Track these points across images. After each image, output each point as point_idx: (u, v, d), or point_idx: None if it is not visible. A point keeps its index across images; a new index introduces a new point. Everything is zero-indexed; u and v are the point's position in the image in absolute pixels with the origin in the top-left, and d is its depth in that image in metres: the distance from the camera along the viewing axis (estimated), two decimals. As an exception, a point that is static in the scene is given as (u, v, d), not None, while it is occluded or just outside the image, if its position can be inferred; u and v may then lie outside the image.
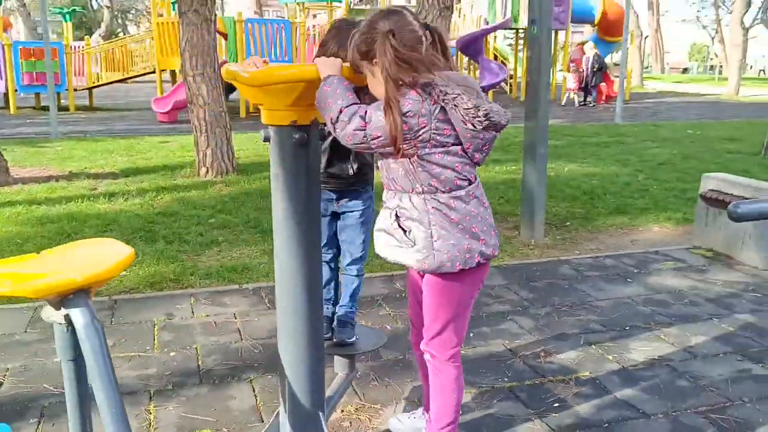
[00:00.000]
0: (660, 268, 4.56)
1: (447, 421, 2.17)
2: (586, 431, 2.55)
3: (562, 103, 19.48)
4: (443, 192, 1.91)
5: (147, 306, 3.80)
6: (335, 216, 2.74)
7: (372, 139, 1.82)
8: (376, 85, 1.87)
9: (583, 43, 21.86)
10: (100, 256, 1.85)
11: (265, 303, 3.85)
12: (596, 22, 21.01)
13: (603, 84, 20.40)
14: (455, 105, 1.79)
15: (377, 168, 2.21)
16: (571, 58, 21.04)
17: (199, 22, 6.82)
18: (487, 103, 1.81)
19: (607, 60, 21.79)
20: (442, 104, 1.81)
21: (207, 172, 7.28)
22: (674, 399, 2.79)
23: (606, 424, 2.60)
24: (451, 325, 2.09)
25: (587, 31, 27.12)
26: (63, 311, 1.76)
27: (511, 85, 21.93)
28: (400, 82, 1.80)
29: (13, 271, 1.75)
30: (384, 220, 2.04)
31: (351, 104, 1.82)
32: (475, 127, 1.80)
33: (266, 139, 1.92)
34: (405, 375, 3.00)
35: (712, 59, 71.15)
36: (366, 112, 1.82)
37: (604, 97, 20.49)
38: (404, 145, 1.82)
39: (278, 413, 2.18)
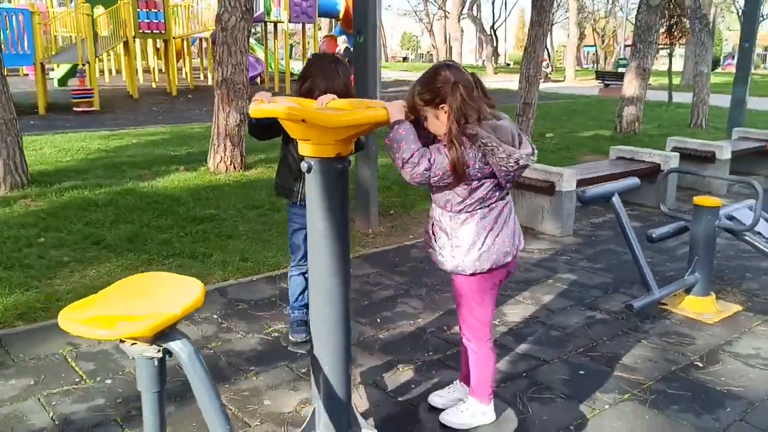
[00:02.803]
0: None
1: (486, 391, 2.67)
2: (513, 381, 3.17)
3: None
4: (468, 212, 2.38)
5: (37, 339, 3.57)
6: None
7: (433, 177, 2.26)
8: (437, 126, 2.27)
9: (331, 37, 22.97)
10: (175, 289, 1.95)
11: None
12: (340, 16, 22.26)
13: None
14: (492, 154, 2.24)
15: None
16: (321, 51, 22.01)
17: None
18: (519, 149, 2.27)
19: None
20: (483, 152, 2.26)
21: (-2, 186, 6.56)
22: (558, 346, 3.56)
23: (524, 374, 3.25)
24: (476, 314, 2.57)
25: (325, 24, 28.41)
26: (156, 346, 1.84)
27: (262, 77, 22.23)
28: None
29: (110, 315, 1.78)
30: (438, 235, 2.48)
31: (420, 148, 2.21)
32: (508, 170, 2.27)
33: (309, 170, 2.15)
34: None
35: (421, 48, 78.75)
36: (431, 156, 2.23)
37: (352, 88, 21.86)
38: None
39: (314, 410, 2.42)
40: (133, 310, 1.82)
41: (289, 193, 3.27)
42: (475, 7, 44.06)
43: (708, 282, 4.10)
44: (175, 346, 1.82)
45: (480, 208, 2.38)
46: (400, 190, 7.25)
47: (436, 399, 2.91)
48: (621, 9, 39.82)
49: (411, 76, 33.54)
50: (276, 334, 3.65)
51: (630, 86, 11.63)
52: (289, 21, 20.69)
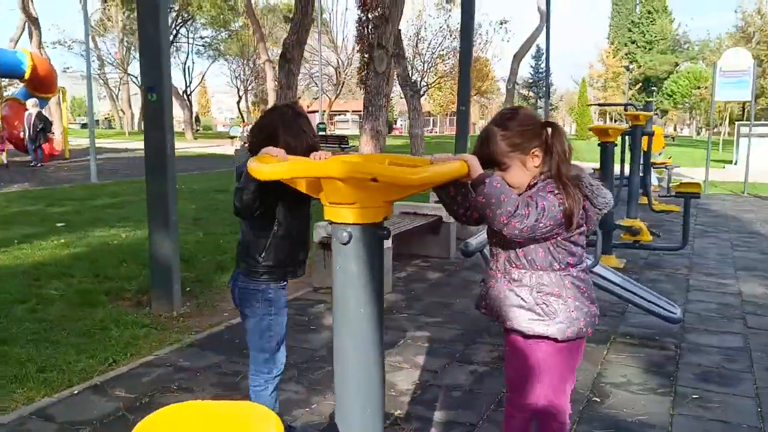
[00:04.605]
0: (320, 310, 5.12)
1: None
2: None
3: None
4: (573, 267, 2.11)
5: None
6: None
7: (543, 228, 1.96)
8: (521, 176, 1.98)
9: (14, 100, 20.24)
10: (235, 422, 1.37)
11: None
12: (26, 76, 19.72)
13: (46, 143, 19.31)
14: (596, 195, 2.05)
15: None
16: (2, 115, 19.20)
17: None
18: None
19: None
20: (587, 194, 2.05)
21: None
22: (470, 407, 3.42)
23: (464, 443, 3.04)
24: (571, 381, 2.28)
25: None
26: None
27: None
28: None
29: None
30: (523, 297, 2.12)
31: (518, 199, 1.90)
32: (600, 215, 2.09)
33: (349, 240, 1.72)
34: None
35: (98, 114, 74.03)
36: (538, 205, 1.93)
37: (47, 157, 19.44)
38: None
39: None
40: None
41: (292, 271, 2.63)
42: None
43: (555, 321, 4.37)
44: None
45: (583, 260, 2.18)
46: (188, 263, 6.48)
47: None
48: (312, 77, 42.49)
49: (105, 144, 31.11)
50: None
51: (366, 148, 12.28)
52: (-38, 81, 17.70)
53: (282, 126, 2.43)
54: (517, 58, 26.25)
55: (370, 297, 1.78)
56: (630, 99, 52.28)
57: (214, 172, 17.64)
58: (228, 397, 3.48)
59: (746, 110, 45.35)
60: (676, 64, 69.24)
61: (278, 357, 2.69)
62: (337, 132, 43.52)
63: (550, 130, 2.07)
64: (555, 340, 2.15)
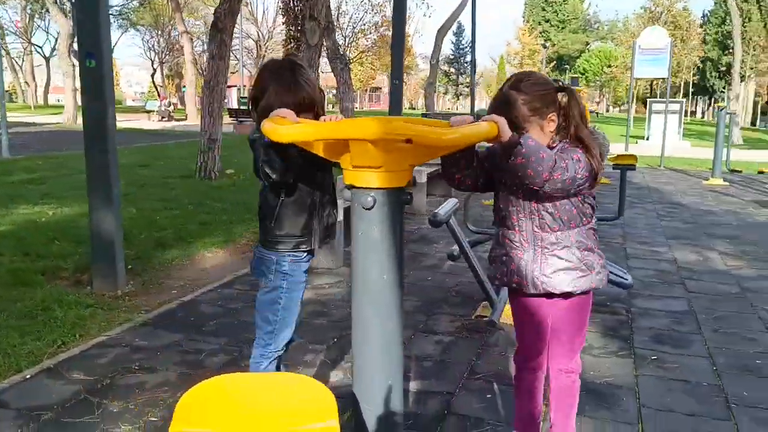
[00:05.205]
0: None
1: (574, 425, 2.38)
2: (447, 421, 2.95)
3: None
4: (591, 219, 2.16)
5: None
6: None
7: (581, 179, 1.97)
8: (539, 139, 1.96)
9: None
10: (279, 393, 1.29)
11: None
12: None
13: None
14: (603, 159, 2.07)
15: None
16: None
17: None
18: None
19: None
20: (602, 151, 2.06)
21: None
22: (443, 377, 3.44)
23: (446, 411, 3.05)
24: (584, 334, 2.31)
25: None
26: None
27: None
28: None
29: None
30: (568, 258, 2.11)
31: (553, 154, 1.92)
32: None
33: (373, 205, 1.66)
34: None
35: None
36: (573, 157, 1.95)
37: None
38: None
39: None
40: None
41: (306, 242, 2.46)
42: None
43: (514, 289, 4.44)
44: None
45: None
46: (125, 240, 6.16)
47: None
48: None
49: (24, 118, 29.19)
50: (135, 440, 2.74)
51: (298, 120, 12.05)
52: None
53: (276, 85, 2.29)
54: (441, 33, 26.36)
55: (392, 263, 1.73)
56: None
57: (134, 146, 16.91)
58: (195, 375, 3.35)
59: (653, 88, 47.59)
60: (587, 44, 71.67)
61: (283, 334, 2.50)
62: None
63: (565, 94, 2.08)
64: (584, 293, 2.18)
